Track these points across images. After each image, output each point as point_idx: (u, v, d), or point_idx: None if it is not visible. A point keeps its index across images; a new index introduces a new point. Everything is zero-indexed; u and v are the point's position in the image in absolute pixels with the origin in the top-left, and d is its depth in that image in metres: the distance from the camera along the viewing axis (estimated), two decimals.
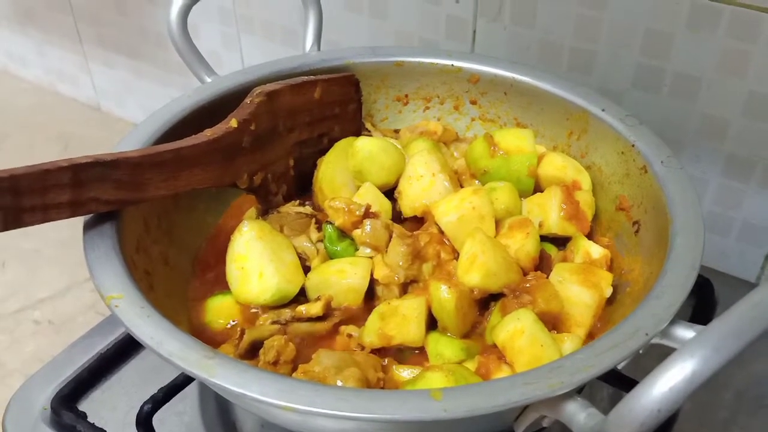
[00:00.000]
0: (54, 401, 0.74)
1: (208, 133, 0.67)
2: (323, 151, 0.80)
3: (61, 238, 1.17)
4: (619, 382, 0.69)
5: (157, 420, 0.69)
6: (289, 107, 0.76)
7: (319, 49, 0.87)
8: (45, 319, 1.13)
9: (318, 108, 0.80)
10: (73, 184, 0.56)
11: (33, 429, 0.73)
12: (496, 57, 0.85)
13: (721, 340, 0.37)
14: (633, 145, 0.71)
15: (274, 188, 0.76)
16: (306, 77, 0.79)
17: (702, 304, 0.83)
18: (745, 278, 0.93)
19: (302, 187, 0.80)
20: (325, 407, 0.45)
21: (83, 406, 0.75)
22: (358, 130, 0.86)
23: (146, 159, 0.61)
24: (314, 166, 0.80)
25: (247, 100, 0.72)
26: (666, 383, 0.37)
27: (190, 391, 0.75)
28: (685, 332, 0.51)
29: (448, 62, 0.85)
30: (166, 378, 0.71)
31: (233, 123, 0.69)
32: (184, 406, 0.75)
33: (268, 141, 0.74)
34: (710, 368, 0.37)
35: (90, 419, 0.73)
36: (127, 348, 0.80)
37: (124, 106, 1.55)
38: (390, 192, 0.76)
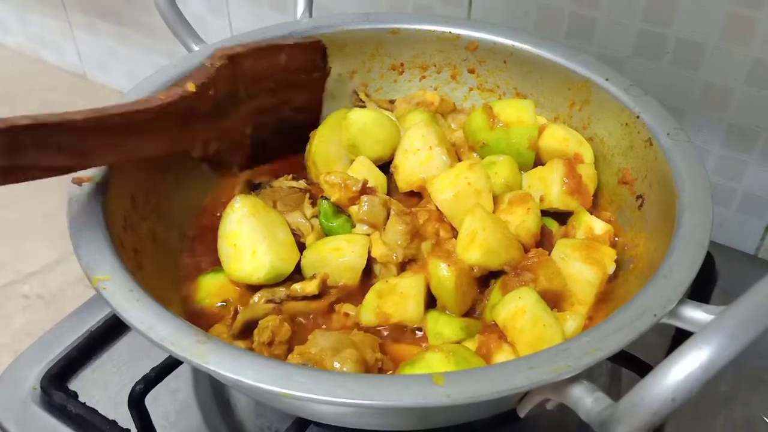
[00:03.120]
0: (44, 380, 0.72)
1: (162, 96, 0.61)
2: (283, 120, 0.75)
3: (48, 210, 1.15)
4: (623, 360, 0.68)
5: (150, 397, 0.68)
6: (252, 72, 0.71)
7: (310, 15, 0.83)
8: (34, 293, 1.11)
9: (282, 74, 0.74)
10: (8, 149, 0.50)
11: (23, 409, 0.71)
12: (495, 23, 0.82)
13: (738, 326, 0.36)
14: (638, 117, 0.68)
15: (228, 157, 0.71)
16: (272, 40, 0.74)
17: (702, 276, 0.81)
18: (744, 250, 0.93)
19: (257, 157, 0.75)
20: (323, 394, 0.44)
21: (73, 385, 0.74)
22: (320, 101, 0.82)
23: (92, 122, 0.55)
24: (273, 133, 0.74)
25: (207, 63, 0.67)
26: (681, 371, 0.36)
27: (184, 369, 0.73)
28: (694, 312, 0.50)
29: (446, 29, 0.82)
30: (159, 356, 0.69)
31: (190, 87, 0.63)
32: (178, 383, 0.74)
33: (227, 107, 0.68)
34: (727, 355, 0.35)
35: (81, 399, 0.71)
36: (117, 325, 0.78)
37: (110, 74, 1.51)
38: (384, 166, 0.74)
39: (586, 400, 0.44)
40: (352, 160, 0.73)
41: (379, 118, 0.74)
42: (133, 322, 0.49)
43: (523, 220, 0.65)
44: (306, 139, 0.78)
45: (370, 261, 0.66)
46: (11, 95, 1.50)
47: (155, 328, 0.49)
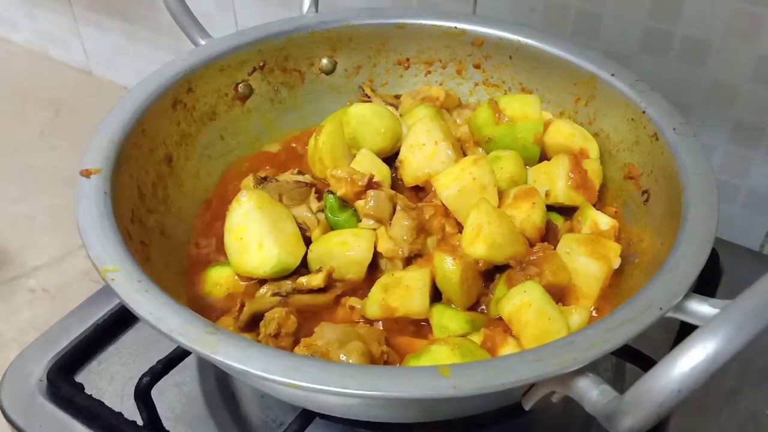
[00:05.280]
0: (50, 372, 0.73)
1: None
2: None
3: (54, 205, 1.15)
4: (628, 355, 0.68)
5: (155, 390, 0.68)
6: None
7: (317, 10, 0.84)
8: (40, 287, 1.11)
9: None
10: None
11: (30, 400, 0.72)
12: (500, 19, 0.82)
13: (744, 318, 0.36)
14: (644, 112, 0.68)
15: None
16: None
17: (707, 272, 0.81)
18: (750, 246, 0.92)
19: None
20: (332, 384, 0.44)
21: (80, 377, 0.74)
22: None
23: None
24: None
25: None
26: (687, 363, 0.36)
27: (190, 362, 0.74)
28: (699, 306, 0.50)
29: (452, 24, 0.82)
30: (165, 348, 0.70)
31: None
32: (183, 376, 0.74)
33: None
34: (733, 348, 0.35)
35: (87, 391, 0.72)
36: (124, 318, 0.79)
37: (116, 70, 1.52)
38: (388, 159, 0.74)
39: (591, 392, 0.44)
40: (355, 155, 0.73)
41: (378, 111, 0.74)
42: (143, 313, 0.50)
43: (528, 215, 0.66)
44: None
45: (376, 255, 0.66)
46: (19, 92, 1.51)
47: (164, 319, 0.49)
